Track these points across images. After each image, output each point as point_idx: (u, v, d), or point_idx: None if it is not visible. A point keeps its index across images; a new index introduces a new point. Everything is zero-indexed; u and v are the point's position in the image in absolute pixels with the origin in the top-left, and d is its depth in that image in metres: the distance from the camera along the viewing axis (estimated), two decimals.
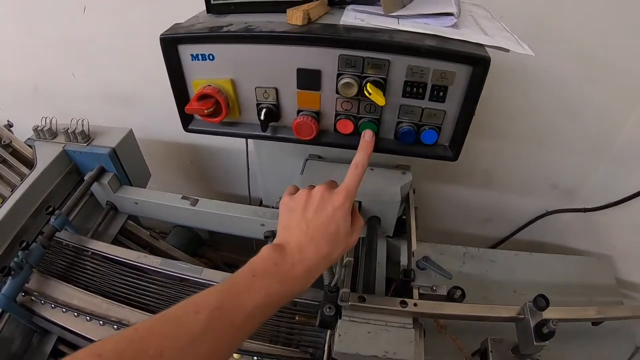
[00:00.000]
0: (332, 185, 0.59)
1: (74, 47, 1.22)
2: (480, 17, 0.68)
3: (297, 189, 0.61)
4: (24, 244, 0.83)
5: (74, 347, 0.88)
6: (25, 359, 0.87)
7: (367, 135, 0.60)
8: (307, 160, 0.91)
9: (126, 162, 1.05)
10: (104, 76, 1.27)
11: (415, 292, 0.75)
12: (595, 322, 0.82)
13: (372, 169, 0.88)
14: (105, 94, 1.31)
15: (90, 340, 0.78)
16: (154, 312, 0.81)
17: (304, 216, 0.55)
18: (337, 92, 0.59)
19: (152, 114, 1.26)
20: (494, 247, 1.40)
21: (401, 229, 0.94)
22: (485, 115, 1.06)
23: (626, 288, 1.01)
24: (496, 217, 1.33)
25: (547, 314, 0.68)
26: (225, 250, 1.35)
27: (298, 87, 0.61)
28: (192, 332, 0.41)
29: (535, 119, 1.05)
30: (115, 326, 0.78)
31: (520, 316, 0.70)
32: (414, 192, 0.92)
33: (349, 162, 0.85)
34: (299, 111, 0.64)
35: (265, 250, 0.53)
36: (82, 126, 1.01)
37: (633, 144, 1.00)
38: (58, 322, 0.82)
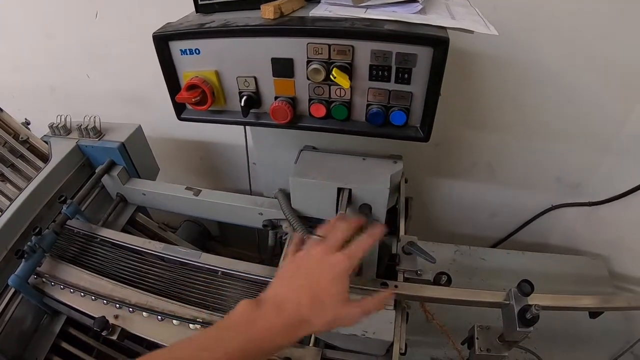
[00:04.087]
0: (334, 244, 0.60)
1: (88, 50, 1.40)
2: (454, 5, 0.77)
3: (302, 243, 0.65)
4: (37, 230, 0.98)
5: (82, 329, 1.02)
6: (35, 337, 1.02)
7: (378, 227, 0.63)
8: (301, 151, 1.02)
9: (135, 156, 1.21)
10: (116, 78, 1.45)
11: (400, 276, 0.83)
12: (593, 315, 0.85)
13: (364, 159, 0.97)
14: (118, 94, 1.49)
15: (93, 318, 0.91)
16: (155, 293, 0.93)
17: (296, 271, 0.58)
18: (308, 78, 0.70)
19: (163, 114, 1.40)
20: (495, 245, 1.46)
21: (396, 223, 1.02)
22: (487, 108, 1.14)
23: (629, 282, 1.04)
24: (501, 213, 1.38)
25: (534, 300, 0.73)
26: (233, 246, 1.48)
27: (274, 75, 0.73)
28: None
29: (539, 112, 1.11)
30: (117, 305, 0.91)
31: (505, 302, 0.76)
32: (405, 182, 1.00)
33: (340, 152, 0.97)
34: (276, 97, 0.75)
35: (241, 303, 0.55)
36: (94, 123, 1.18)
37: (638, 136, 1.05)
38: (66, 302, 0.95)
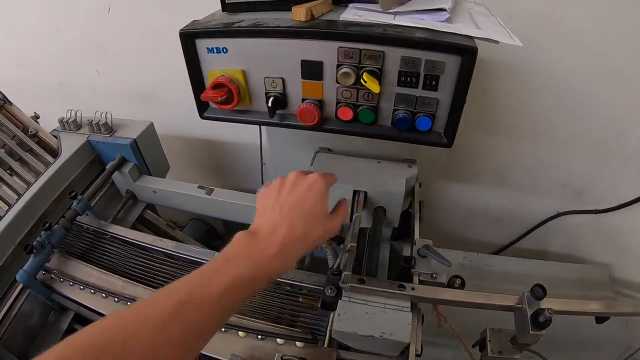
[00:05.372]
0: (304, 171, 0.65)
1: (98, 46, 1.39)
2: (476, 14, 0.79)
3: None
4: (47, 225, 0.96)
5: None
6: (42, 334, 1.00)
7: None
8: (317, 152, 1.03)
9: (146, 153, 1.20)
10: (126, 74, 1.44)
11: (416, 279, 0.84)
12: (600, 320, 0.87)
13: (379, 162, 0.99)
14: (127, 91, 1.48)
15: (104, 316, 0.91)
16: None
17: (278, 199, 0.60)
18: (337, 82, 0.71)
19: (173, 111, 1.42)
20: (500, 251, 1.48)
21: (408, 227, 1.03)
22: (499, 114, 1.16)
23: (632, 289, 1.07)
24: (506, 218, 1.40)
25: (546, 304, 0.74)
26: None
27: (302, 77, 0.73)
28: (159, 320, 0.44)
29: (548, 118, 1.13)
30: (129, 303, 0.90)
31: (518, 305, 0.77)
32: (419, 186, 1.01)
33: (356, 154, 0.98)
34: (303, 99, 0.76)
35: (237, 236, 0.56)
36: (106, 118, 1.17)
37: None
38: (75, 299, 0.94)
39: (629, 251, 1.11)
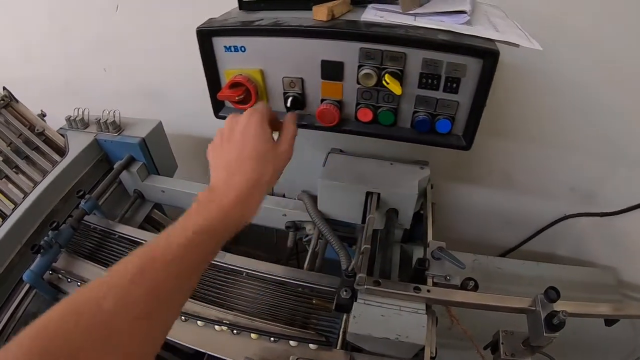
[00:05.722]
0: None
1: (105, 44, 1.37)
2: (493, 16, 0.79)
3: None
4: (54, 225, 0.95)
5: None
6: None
7: None
8: (329, 153, 1.02)
9: (155, 152, 1.19)
10: (134, 73, 1.42)
11: (430, 281, 0.83)
12: (609, 322, 0.88)
13: (391, 164, 0.98)
14: (135, 90, 1.46)
15: None
16: None
17: (222, 152, 0.62)
18: (358, 83, 0.71)
19: (181, 110, 1.40)
20: (507, 253, 1.49)
21: (418, 230, 1.03)
22: (509, 116, 1.16)
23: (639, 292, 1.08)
24: (515, 220, 1.40)
25: (559, 307, 0.75)
26: (246, 244, 1.47)
27: (322, 78, 0.73)
28: (123, 281, 0.45)
29: (557, 121, 1.13)
30: None
31: (532, 308, 0.77)
32: (431, 188, 1.01)
33: (369, 155, 0.97)
34: (322, 100, 0.75)
35: (198, 194, 0.59)
36: (114, 117, 1.16)
37: None
38: None
39: (636, 254, 1.12)
